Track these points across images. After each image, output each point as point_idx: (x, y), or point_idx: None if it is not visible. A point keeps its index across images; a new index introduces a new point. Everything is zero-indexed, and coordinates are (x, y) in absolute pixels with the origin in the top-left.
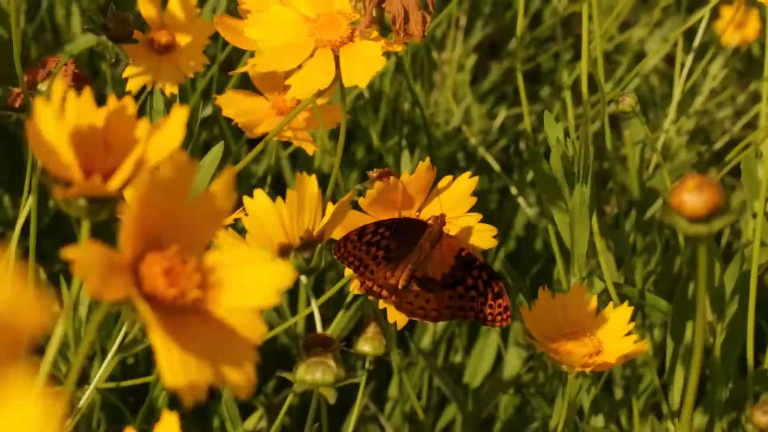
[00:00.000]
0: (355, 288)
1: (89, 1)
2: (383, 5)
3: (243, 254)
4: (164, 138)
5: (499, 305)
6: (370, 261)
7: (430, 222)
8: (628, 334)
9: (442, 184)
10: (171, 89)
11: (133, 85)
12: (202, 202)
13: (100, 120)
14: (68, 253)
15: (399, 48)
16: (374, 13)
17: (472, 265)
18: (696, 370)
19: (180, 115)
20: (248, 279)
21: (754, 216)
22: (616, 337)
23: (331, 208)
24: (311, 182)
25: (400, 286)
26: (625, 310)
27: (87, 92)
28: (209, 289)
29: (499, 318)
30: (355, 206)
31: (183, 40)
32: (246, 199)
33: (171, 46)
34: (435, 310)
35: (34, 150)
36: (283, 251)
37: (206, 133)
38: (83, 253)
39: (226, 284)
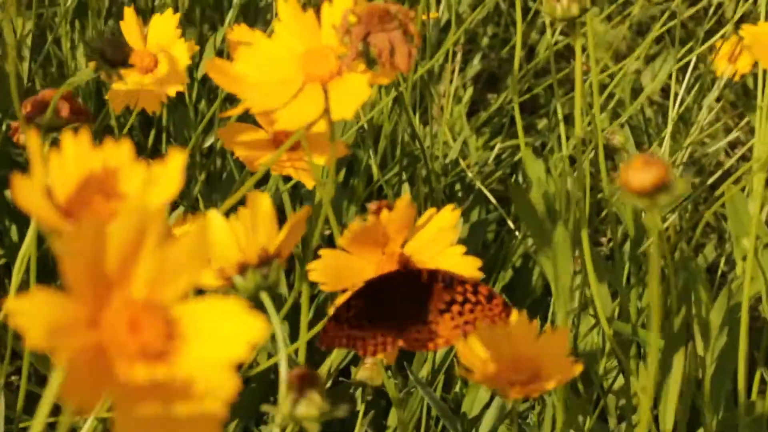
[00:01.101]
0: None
1: (94, 32)
2: (369, 39)
3: (214, 305)
4: (163, 182)
5: (496, 305)
6: (359, 332)
7: (396, 266)
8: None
9: (424, 217)
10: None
11: (116, 106)
12: (173, 250)
13: (98, 162)
14: (11, 304)
15: (386, 81)
16: (360, 47)
17: (452, 286)
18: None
19: (178, 159)
20: (219, 331)
21: (744, 258)
22: (557, 360)
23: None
24: (264, 200)
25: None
26: (563, 333)
27: (84, 134)
28: (176, 341)
29: (501, 315)
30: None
31: (164, 61)
32: (199, 220)
33: (153, 66)
34: (442, 337)
35: (23, 208)
36: (241, 269)
37: (211, 166)
38: (30, 304)
39: (194, 335)
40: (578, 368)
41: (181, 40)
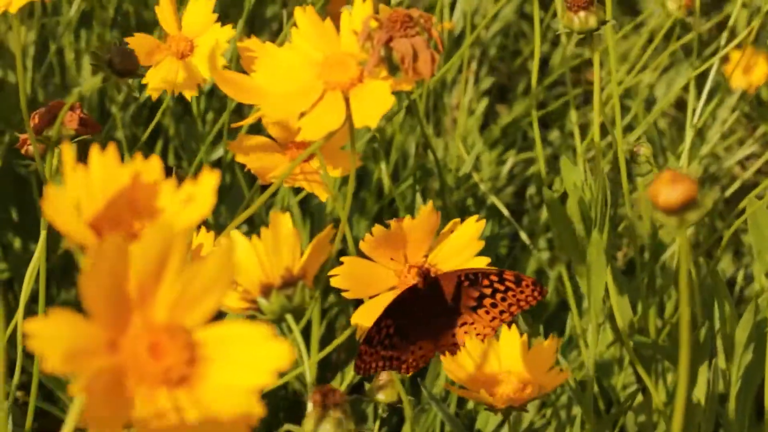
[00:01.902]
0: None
1: (99, 43)
2: (391, 44)
3: (239, 329)
4: (196, 201)
5: (526, 286)
6: (394, 352)
7: (417, 279)
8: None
9: (448, 227)
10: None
11: (152, 90)
12: (198, 271)
13: (126, 178)
14: (29, 326)
15: (408, 87)
16: (382, 53)
17: (477, 281)
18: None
19: (210, 179)
20: (243, 357)
21: (767, 275)
22: (543, 371)
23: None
24: (286, 221)
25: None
26: (551, 344)
27: (112, 150)
28: (198, 366)
29: (535, 295)
30: (361, 254)
31: (201, 45)
32: (222, 240)
33: (189, 51)
34: (486, 327)
35: (51, 222)
36: (265, 291)
37: (219, 180)
38: (49, 327)
39: (217, 361)
40: (563, 377)
41: (217, 24)
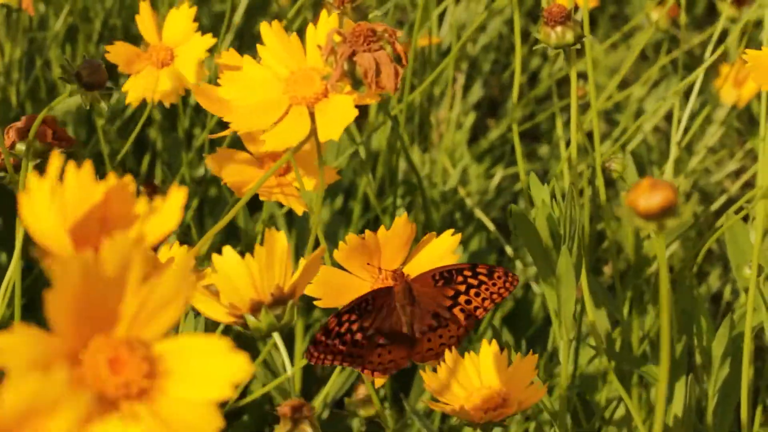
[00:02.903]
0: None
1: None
2: (354, 59)
3: (198, 342)
4: (162, 218)
5: (498, 277)
6: (354, 350)
7: (392, 283)
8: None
9: (424, 239)
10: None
11: (132, 98)
12: (156, 285)
13: (99, 194)
14: None
15: (372, 101)
16: (345, 67)
17: (451, 279)
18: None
19: (178, 196)
20: (202, 370)
21: (746, 290)
22: (523, 387)
23: (303, 262)
24: (280, 238)
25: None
26: (530, 359)
27: (87, 166)
28: (158, 379)
29: (507, 286)
30: (335, 264)
31: (181, 54)
32: (215, 256)
33: (169, 60)
34: (461, 328)
35: (26, 225)
36: (254, 308)
37: (204, 193)
38: (11, 340)
39: (177, 374)
40: (542, 393)
41: (197, 34)
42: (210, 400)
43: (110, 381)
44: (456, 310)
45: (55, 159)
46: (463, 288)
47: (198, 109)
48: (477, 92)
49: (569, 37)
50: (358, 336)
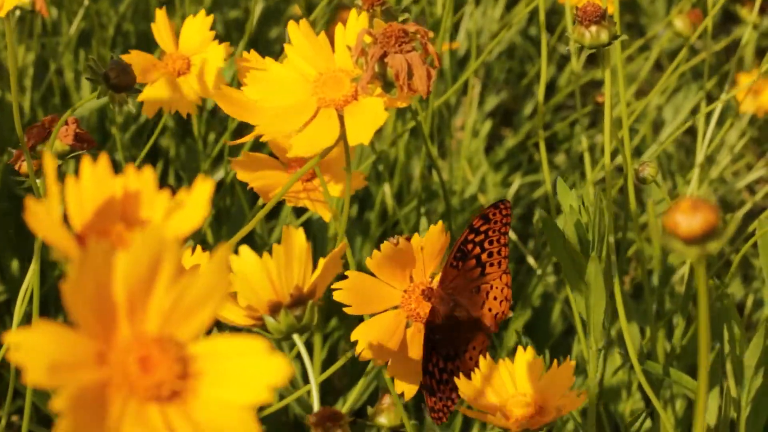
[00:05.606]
0: (366, 355)
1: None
2: (386, 60)
3: (234, 343)
4: (188, 212)
5: (493, 214)
6: (453, 376)
7: (423, 299)
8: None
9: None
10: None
11: (148, 110)
12: (192, 281)
13: (117, 189)
14: (11, 338)
15: (403, 104)
16: (376, 69)
17: (464, 252)
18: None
19: (204, 188)
20: (238, 372)
21: None
22: (559, 394)
23: (322, 261)
24: (299, 236)
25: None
26: (568, 368)
27: (103, 160)
28: (191, 380)
29: (503, 212)
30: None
31: (197, 63)
32: (232, 257)
33: (186, 69)
34: (504, 274)
35: (36, 233)
36: (273, 309)
37: (220, 201)
38: (32, 337)
39: (211, 376)
40: (581, 401)
41: (214, 42)
42: (246, 404)
43: (140, 381)
44: (489, 270)
45: (49, 160)
46: (477, 250)
47: (213, 115)
48: (492, 100)
49: (604, 36)
50: (449, 365)
